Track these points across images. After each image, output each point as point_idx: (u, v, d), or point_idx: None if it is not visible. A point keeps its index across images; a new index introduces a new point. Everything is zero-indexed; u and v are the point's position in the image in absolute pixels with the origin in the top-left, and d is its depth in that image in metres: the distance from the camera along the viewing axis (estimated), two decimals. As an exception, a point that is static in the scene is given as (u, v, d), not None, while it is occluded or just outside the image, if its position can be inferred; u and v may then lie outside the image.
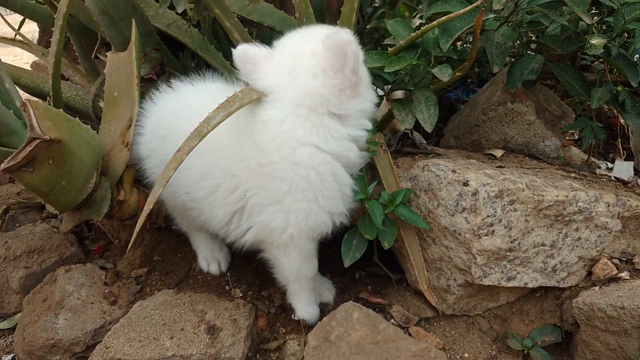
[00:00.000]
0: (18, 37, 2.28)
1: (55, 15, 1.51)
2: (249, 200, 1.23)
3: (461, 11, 1.25)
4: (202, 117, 1.11)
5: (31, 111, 1.09)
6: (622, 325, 1.12)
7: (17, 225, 1.88)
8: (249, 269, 1.60)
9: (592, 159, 1.75)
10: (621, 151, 1.81)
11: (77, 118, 1.38)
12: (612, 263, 1.26)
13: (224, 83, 1.39)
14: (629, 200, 1.25)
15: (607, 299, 1.14)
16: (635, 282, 1.19)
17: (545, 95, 1.69)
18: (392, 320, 1.40)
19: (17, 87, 1.85)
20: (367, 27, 2.01)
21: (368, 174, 1.38)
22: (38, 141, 1.11)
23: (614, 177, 1.56)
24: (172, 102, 1.40)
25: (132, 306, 1.45)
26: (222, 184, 1.23)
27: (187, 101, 1.37)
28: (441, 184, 1.24)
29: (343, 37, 1.09)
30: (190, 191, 1.28)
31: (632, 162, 1.63)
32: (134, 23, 1.64)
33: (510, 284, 1.24)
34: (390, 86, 1.49)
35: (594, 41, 1.26)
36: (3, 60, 1.73)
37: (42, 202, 1.83)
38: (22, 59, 4.70)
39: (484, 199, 1.17)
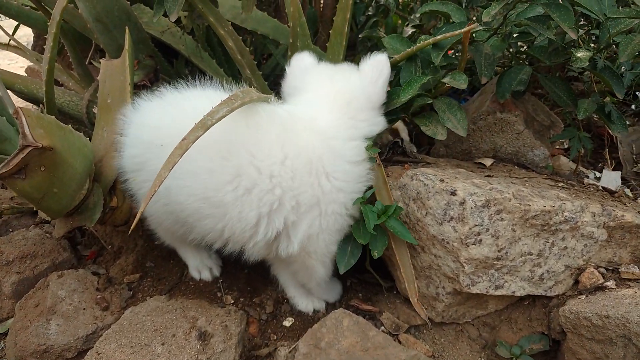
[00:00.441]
0: (12, 42, 2.30)
1: (49, 23, 1.52)
2: (289, 201, 1.22)
3: (457, 32, 1.27)
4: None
5: (23, 119, 1.10)
6: (607, 334, 1.13)
7: (10, 230, 1.89)
8: (241, 275, 1.61)
9: (581, 168, 1.77)
10: (609, 161, 1.83)
11: (71, 124, 1.39)
12: (599, 272, 1.28)
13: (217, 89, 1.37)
14: (614, 210, 1.27)
15: (593, 308, 1.16)
16: (620, 291, 1.21)
17: (534, 105, 1.71)
18: (382, 327, 1.41)
19: (11, 93, 1.87)
20: (360, 35, 2.03)
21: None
22: (30, 149, 1.12)
23: (602, 186, 1.59)
24: (166, 110, 1.34)
25: (124, 312, 1.46)
26: (258, 185, 1.19)
27: (184, 107, 1.31)
28: (429, 193, 1.25)
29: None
30: (213, 195, 1.20)
31: (620, 172, 1.65)
32: (127, 31, 1.65)
33: (498, 293, 1.25)
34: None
35: (579, 54, 1.29)
36: (-3, 66, 1.74)
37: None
38: (17, 62, 4.70)
39: (471, 208, 1.19)
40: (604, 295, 1.21)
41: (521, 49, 1.54)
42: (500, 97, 1.52)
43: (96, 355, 1.31)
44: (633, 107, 2.15)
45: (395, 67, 1.50)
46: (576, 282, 1.30)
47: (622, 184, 1.95)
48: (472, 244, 1.20)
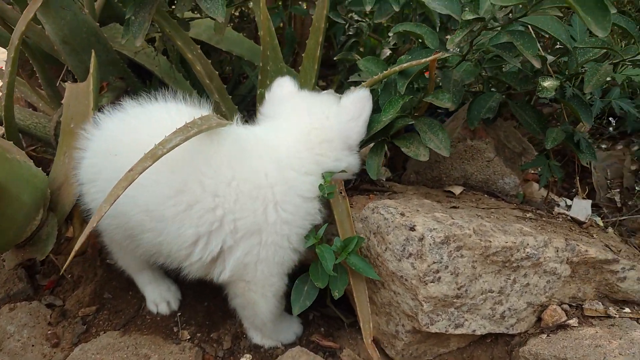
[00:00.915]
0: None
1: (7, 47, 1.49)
2: (228, 224, 1.19)
3: (423, 60, 1.25)
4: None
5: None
6: (568, 377, 1.10)
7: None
8: (201, 308, 1.56)
9: (553, 196, 1.74)
10: (580, 188, 1.81)
11: (39, 147, 1.34)
12: (562, 309, 1.24)
13: (180, 103, 1.34)
14: (578, 245, 1.24)
15: (552, 350, 1.12)
16: (582, 331, 1.17)
17: (505, 131, 1.69)
18: (343, 363, 1.37)
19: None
20: (335, 58, 2.01)
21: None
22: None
23: (571, 216, 1.55)
24: (123, 122, 1.30)
25: (74, 348, 1.40)
26: (199, 202, 1.17)
27: (142, 120, 1.29)
28: (389, 228, 1.22)
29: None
30: (155, 209, 1.18)
31: (590, 201, 1.63)
32: (93, 54, 1.62)
33: (458, 331, 1.21)
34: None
35: (545, 83, 1.26)
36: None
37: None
38: None
39: (430, 244, 1.15)
40: (565, 334, 1.17)
41: (495, 74, 1.51)
42: (470, 124, 1.49)
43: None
44: (611, 129, 2.13)
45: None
46: (539, 319, 1.26)
47: (594, 211, 1.92)
48: (431, 282, 1.16)
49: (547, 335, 1.19)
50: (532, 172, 2.00)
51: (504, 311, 1.22)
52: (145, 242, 1.25)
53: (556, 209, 1.64)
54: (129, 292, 1.63)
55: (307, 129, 1.31)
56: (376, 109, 1.38)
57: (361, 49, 2.28)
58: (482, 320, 1.22)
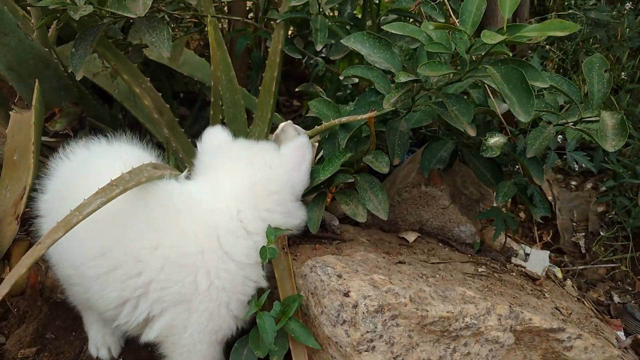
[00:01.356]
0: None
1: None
2: (153, 292, 1.14)
3: (360, 117, 1.20)
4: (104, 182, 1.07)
5: None
6: None
7: None
8: (144, 354, 1.51)
9: (512, 243, 1.70)
10: (537, 239, 1.77)
11: None
12: (504, 379, 1.20)
13: (134, 147, 1.35)
14: (522, 313, 1.20)
15: None
16: (520, 406, 1.13)
17: (463, 177, 1.64)
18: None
19: None
20: (296, 89, 1.96)
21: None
22: None
23: (525, 271, 1.51)
24: (76, 164, 1.29)
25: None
26: (121, 266, 1.12)
27: (92, 164, 1.27)
28: (324, 291, 1.17)
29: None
30: (80, 266, 1.15)
31: (548, 252, 1.58)
32: (36, 84, 1.56)
33: (394, 401, 1.17)
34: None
35: (491, 141, 1.21)
36: None
37: None
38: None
39: (364, 313, 1.10)
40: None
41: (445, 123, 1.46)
42: (422, 172, 1.45)
43: None
44: (576, 167, 2.09)
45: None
46: (480, 389, 1.22)
47: (557, 256, 1.89)
48: (365, 351, 1.12)
49: (484, 409, 1.15)
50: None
51: (442, 381, 1.18)
52: (75, 294, 1.25)
53: (513, 260, 1.59)
54: (72, 333, 1.58)
55: (250, 182, 1.25)
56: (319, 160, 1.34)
57: (326, 83, 2.22)
58: (419, 390, 1.17)
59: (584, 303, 1.51)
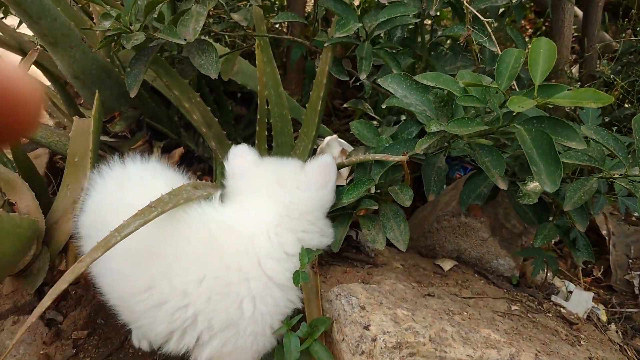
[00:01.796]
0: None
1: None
2: (201, 322, 1.18)
3: (392, 158, 1.20)
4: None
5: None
6: None
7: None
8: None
9: (554, 281, 1.64)
10: (581, 279, 1.69)
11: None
12: None
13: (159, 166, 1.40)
14: (549, 363, 1.16)
15: None
16: None
17: (506, 209, 1.60)
18: None
19: None
20: (344, 105, 1.96)
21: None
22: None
23: (563, 312, 1.46)
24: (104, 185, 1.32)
25: (58, 375, 1.48)
26: (168, 301, 1.15)
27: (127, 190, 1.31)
28: (346, 320, 1.19)
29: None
30: (127, 300, 1.20)
31: (592, 294, 1.51)
32: (97, 95, 1.67)
33: None
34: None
35: (529, 187, 1.17)
36: None
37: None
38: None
39: (382, 348, 1.11)
40: None
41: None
42: (461, 207, 1.42)
43: None
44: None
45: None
46: None
47: (607, 294, 1.79)
48: (381, 384, 1.13)
49: None
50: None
51: (458, 422, 1.17)
52: (124, 321, 1.29)
53: (553, 298, 1.54)
54: (119, 321, 1.69)
55: (282, 204, 1.27)
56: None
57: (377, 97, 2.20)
58: None
59: (625, 352, 1.44)
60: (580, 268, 1.71)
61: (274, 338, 1.27)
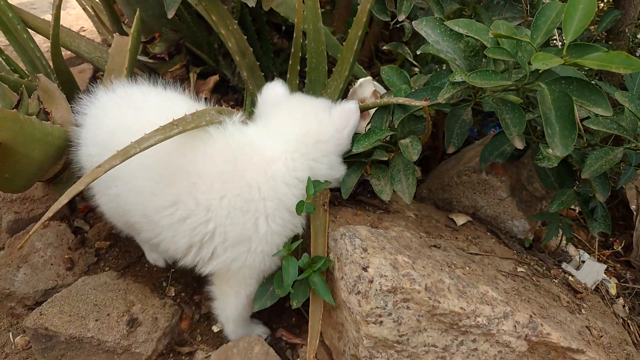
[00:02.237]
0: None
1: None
2: (219, 235, 1.26)
3: (414, 102, 1.19)
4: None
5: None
6: None
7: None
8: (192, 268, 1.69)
9: (568, 248, 1.62)
10: (596, 250, 1.65)
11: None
12: (506, 382, 1.21)
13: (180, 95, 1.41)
14: (541, 325, 1.18)
15: None
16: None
17: (530, 171, 1.56)
18: (298, 359, 1.45)
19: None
20: (384, 47, 1.92)
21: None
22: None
23: (570, 279, 1.45)
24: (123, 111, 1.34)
25: (83, 276, 1.60)
26: (192, 215, 1.24)
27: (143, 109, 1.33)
28: (347, 260, 1.23)
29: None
30: (152, 216, 1.27)
31: (604, 266, 1.49)
32: (137, 13, 1.68)
33: (393, 373, 1.23)
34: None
35: (550, 151, 1.14)
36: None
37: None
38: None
39: (376, 290, 1.15)
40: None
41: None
42: (481, 163, 1.41)
43: (39, 315, 1.47)
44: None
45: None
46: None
47: (626, 270, 1.77)
48: (373, 323, 1.18)
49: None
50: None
51: (444, 367, 1.22)
52: (144, 236, 1.40)
53: (564, 265, 1.53)
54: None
55: (301, 131, 1.33)
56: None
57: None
58: (419, 369, 1.22)
59: (627, 327, 1.44)
60: (597, 239, 1.68)
61: (279, 261, 1.34)
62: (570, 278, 1.47)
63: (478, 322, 1.16)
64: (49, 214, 1.03)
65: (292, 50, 1.64)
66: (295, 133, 1.33)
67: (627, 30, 2.04)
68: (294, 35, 1.59)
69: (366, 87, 1.84)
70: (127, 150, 1.10)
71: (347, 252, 1.24)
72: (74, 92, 1.84)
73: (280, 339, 1.52)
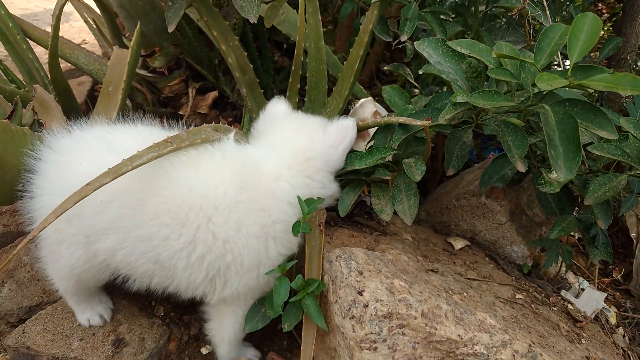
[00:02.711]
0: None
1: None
2: (234, 265, 1.22)
3: (415, 122, 1.17)
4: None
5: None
6: None
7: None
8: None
9: (568, 275, 1.59)
10: (596, 278, 1.62)
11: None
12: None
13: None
14: (541, 355, 1.14)
15: None
16: None
17: (530, 196, 1.54)
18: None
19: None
20: (384, 68, 1.91)
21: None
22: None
23: (570, 308, 1.42)
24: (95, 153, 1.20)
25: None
26: (212, 251, 1.19)
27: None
28: (342, 283, 1.19)
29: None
30: (167, 260, 1.19)
31: (604, 294, 1.46)
32: (137, 26, 1.68)
33: (387, 402, 1.19)
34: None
35: (553, 175, 1.12)
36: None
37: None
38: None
39: (372, 315, 1.12)
40: None
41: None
42: (480, 187, 1.39)
43: (21, 334, 1.43)
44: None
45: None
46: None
47: (625, 299, 1.73)
48: (367, 349, 1.14)
49: None
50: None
51: (439, 397, 1.17)
52: (149, 283, 1.28)
53: (563, 293, 1.50)
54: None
55: (294, 147, 1.32)
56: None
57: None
58: (413, 399, 1.18)
59: (628, 358, 1.40)
60: (597, 267, 1.65)
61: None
62: (569, 306, 1.44)
63: (476, 350, 1.12)
64: (35, 232, 0.99)
65: (293, 68, 1.63)
66: (289, 150, 1.32)
67: (628, 58, 2.04)
68: (295, 53, 1.58)
69: (367, 107, 1.82)
70: (118, 167, 1.07)
71: (342, 275, 1.20)
72: (71, 104, 1.83)
73: (271, 362, 1.48)
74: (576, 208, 1.38)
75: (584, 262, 1.77)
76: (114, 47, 1.75)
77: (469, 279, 1.37)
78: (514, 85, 1.02)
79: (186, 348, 1.52)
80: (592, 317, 1.43)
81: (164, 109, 2.17)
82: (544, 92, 0.94)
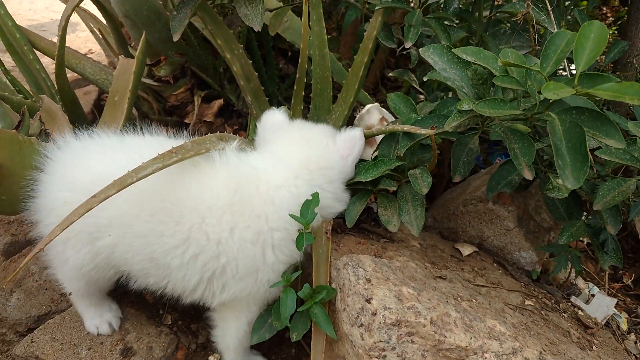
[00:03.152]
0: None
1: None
2: (229, 269, 1.23)
3: (420, 130, 1.16)
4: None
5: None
6: None
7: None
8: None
9: (577, 281, 1.57)
10: (606, 283, 1.61)
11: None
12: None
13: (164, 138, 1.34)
14: (552, 363, 1.13)
15: None
16: None
17: (538, 201, 1.53)
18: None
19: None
20: (389, 74, 1.91)
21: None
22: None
23: (580, 314, 1.40)
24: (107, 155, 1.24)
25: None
26: (205, 251, 1.20)
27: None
28: (350, 291, 1.19)
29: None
30: (161, 258, 1.20)
31: (615, 300, 1.45)
32: (143, 36, 1.68)
33: (396, 410, 1.17)
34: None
35: (559, 182, 1.11)
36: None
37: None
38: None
39: (380, 323, 1.11)
40: None
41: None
42: (487, 193, 1.38)
43: (30, 343, 1.43)
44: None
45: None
46: None
47: (635, 302, 1.71)
48: (376, 357, 1.13)
49: None
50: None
51: (448, 406, 1.16)
52: (146, 282, 1.29)
53: (572, 299, 1.48)
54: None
55: (306, 157, 1.31)
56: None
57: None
58: (423, 408, 1.17)
59: (640, 364, 1.38)
60: (607, 272, 1.63)
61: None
62: (579, 312, 1.42)
63: (486, 358, 1.11)
64: (41, 245, 0.99)
65: (297, 75, 1.63)
66: (299, 159, 1.32)
67: (634, 61, 2.03)
68: (300, 61, 1.58)
69: (373, 113, 1.82)
70: (123, 179, 1.08)
71: (350, 283, 1.20)
72: (78, 113, 1.84)
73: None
74: (585, 213, 1.37)
75: (593, 268, 1.76)
76: (119, 56, 1.76)
77: (477, 285, 1.36)
78: (520, 93, 1.02)
79: (194, 357, 1.52)
80: (603, 323, 1.42)
81: (170, 117, 2.18)
82: (551, 100, 0.94)
